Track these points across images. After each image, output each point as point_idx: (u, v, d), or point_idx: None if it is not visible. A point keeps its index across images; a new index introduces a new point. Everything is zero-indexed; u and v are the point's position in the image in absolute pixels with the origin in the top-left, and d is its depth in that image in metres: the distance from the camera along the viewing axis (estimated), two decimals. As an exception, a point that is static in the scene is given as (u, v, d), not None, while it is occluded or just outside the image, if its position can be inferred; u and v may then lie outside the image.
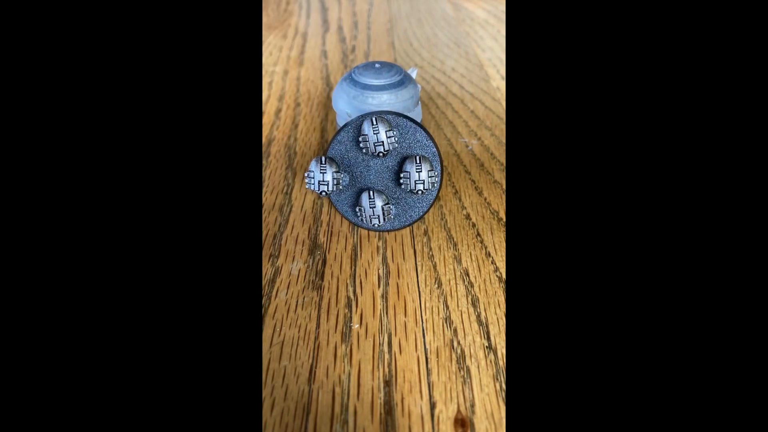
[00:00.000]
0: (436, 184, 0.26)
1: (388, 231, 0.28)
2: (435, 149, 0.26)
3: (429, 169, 0.25)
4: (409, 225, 0.28)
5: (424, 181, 0.25)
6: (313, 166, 0.25)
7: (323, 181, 0.25)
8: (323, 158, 0.25)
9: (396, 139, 0.25)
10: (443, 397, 0.21)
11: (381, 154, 0.25)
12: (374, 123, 0.25)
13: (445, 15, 0.60)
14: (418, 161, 0.25)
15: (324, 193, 0.26)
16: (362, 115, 0.25)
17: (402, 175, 0.25)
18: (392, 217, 0.27)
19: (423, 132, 0.26)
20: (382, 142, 0.25)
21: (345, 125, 0.26)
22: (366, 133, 0.25)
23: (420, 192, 0.25)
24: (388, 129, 0.25)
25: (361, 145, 0.25)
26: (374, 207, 0.26)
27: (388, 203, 0.26)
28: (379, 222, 0.26)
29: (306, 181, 0.26)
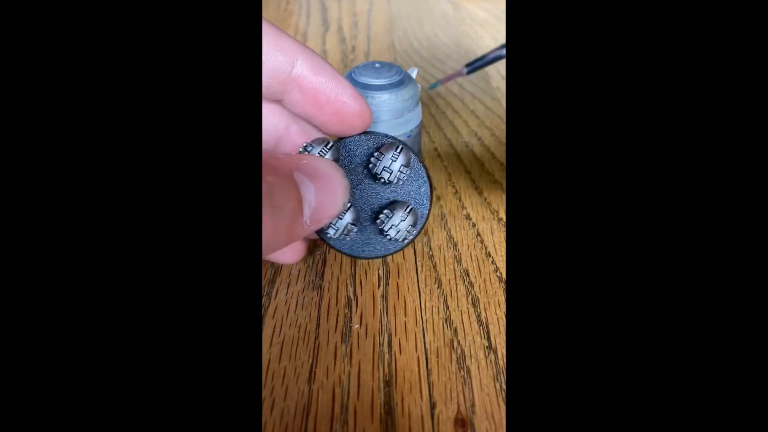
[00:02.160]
0: (407, 240, 0.24)
1: (337, 250, 0.26)
2: (427, 210, 0.25)
3: (411, 224, 0.24)
4: (356, 257, 0.26)
5: (399, 230, 0.24)
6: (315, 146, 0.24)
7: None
8: (329, 142, 0.24)
9: (405, 177, 0.24)
10: (443, 397, 0.21)
11: (381, 180, 0.24)
12: (397, 150, 0.24)
13: (445, 15, 0.60)
14: (406, 210, 0.24)
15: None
16: (390, 137, 0.24)
17: (383, 213, 0.24)
18: (350, 237, 0.24)
19: (428, 187, 0.25)
20: (392, 171, 0.24)
21: (365, 138, 0.24)
22: (384, 154, 0.24)
23: (388, 237, 0.24)
24: (404, 164, 0.24)
25: (371, 160, 0.24)
26: (339, 219, 0.24)
27: (354, 223, 0.24)
28: (334, 235, 0.24)
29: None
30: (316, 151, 0.23)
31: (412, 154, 0.25)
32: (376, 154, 0.24)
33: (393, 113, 0.29)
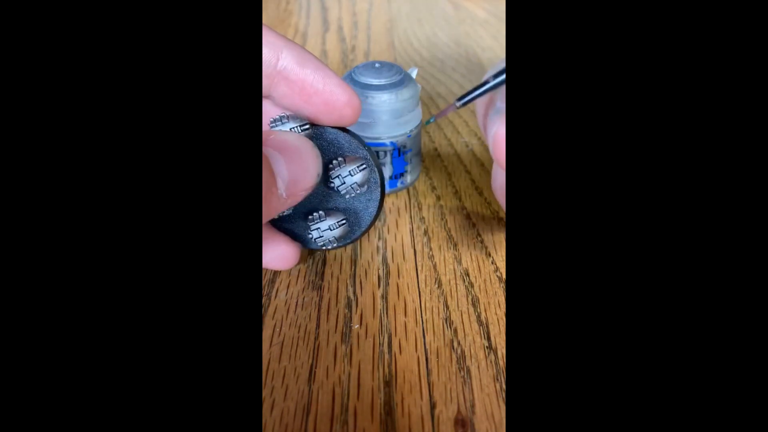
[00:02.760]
0: (326, 248, 0.24)
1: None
2: (362, 232, 0.25)
3: (336, 236, 0.24)
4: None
5: (322, 237, 0.24)
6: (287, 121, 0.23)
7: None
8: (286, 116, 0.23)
9: (354, 194, 0.24)
10: (443, 397, 0.21)
11: (331, 185, 0.24)
12: (359, 168, 0.23)
13: (446, 15, 0.60)
14: (338, 222, 0.24)
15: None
16: (365, 150, 0.24)
17: (317, 213, 0.24)
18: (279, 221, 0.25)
19: (374, 212, 0.24)
20: (344, 182, 0.23)
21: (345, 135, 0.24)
22: (345, 164, 0.23)
23: (310, 237, 0.24)
24: (359, 183, 0.23)
25: (333, 162, 0.23)
26: None
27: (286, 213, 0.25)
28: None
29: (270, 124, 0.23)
30: (288, 126, 0.23)
31: (376, 177, 0.24)
32: (339, 158, 0.23)
33: (393, 113, 0.29)
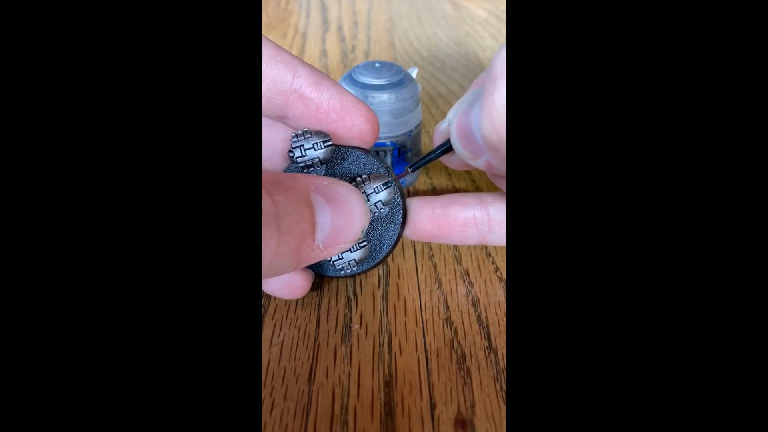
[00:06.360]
0: (344, 272, 0.23)
1: None
2: (382, 257, 0.24)
3: (357, 259, 0.23)
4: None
5: (341, 259, 0.23)
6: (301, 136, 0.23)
7: (305, 149, 0.22)
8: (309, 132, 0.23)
9: (378, 212, 0.23)
10: (443, 397, 0.21)
11: None
12: (384, 184, 0.23)
13: (446, 14, 0.60)
14: (359, 244, 0.23)
15: (292, 156, 0.23)
16: (389, 171, 0.23)
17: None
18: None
19: (395, 237, 0.24)
20: (368, 200, 0.22)
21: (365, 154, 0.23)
22: (370, 181, 0.23)
23: (330, 261, 0.23)
24: (383, 201, 0.23)
25: (357, 179, 0.23)
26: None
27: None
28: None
29: (293, 140, 0.23)
30: (311, 142, 0.22)
31: (399, 199, 0.23)
32: (363, 176, 0.23)
33: (393, 113, 0.29)
